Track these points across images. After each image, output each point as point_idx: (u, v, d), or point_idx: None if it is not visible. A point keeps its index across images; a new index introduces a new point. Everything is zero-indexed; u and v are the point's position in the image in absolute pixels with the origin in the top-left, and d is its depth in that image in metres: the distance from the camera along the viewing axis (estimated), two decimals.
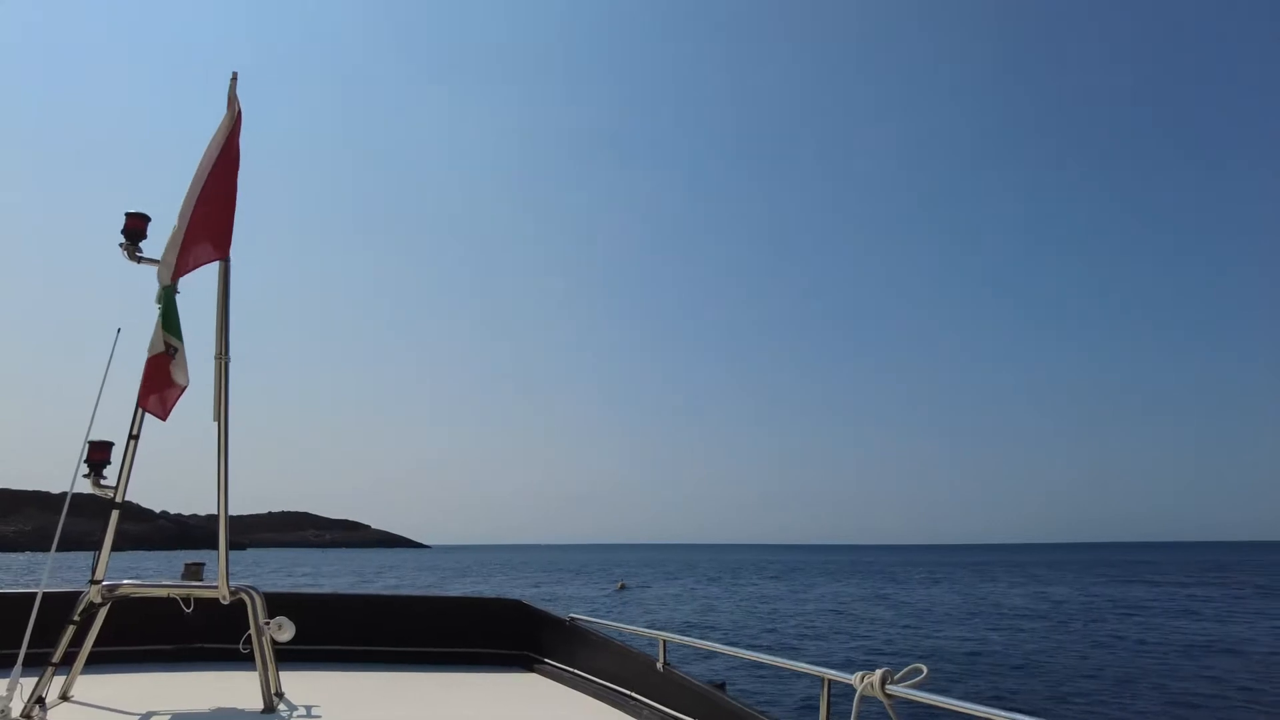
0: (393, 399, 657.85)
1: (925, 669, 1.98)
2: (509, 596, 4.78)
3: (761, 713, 2.55)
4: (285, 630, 3.06)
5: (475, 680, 3.89)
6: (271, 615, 3.12)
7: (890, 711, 1.94)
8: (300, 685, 3.43)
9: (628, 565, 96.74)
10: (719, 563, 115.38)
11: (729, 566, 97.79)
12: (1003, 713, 1.70)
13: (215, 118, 3.35)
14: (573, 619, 4.04)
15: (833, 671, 2.26)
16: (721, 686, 2.96)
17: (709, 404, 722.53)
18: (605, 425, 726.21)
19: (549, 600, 41.41)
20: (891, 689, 1.96)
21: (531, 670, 4.15)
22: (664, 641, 3.16)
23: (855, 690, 2.03)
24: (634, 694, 3.29)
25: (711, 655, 20.00)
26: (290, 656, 3.58)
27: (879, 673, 2.00)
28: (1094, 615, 31.29)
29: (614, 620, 3.95)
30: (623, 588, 51.54)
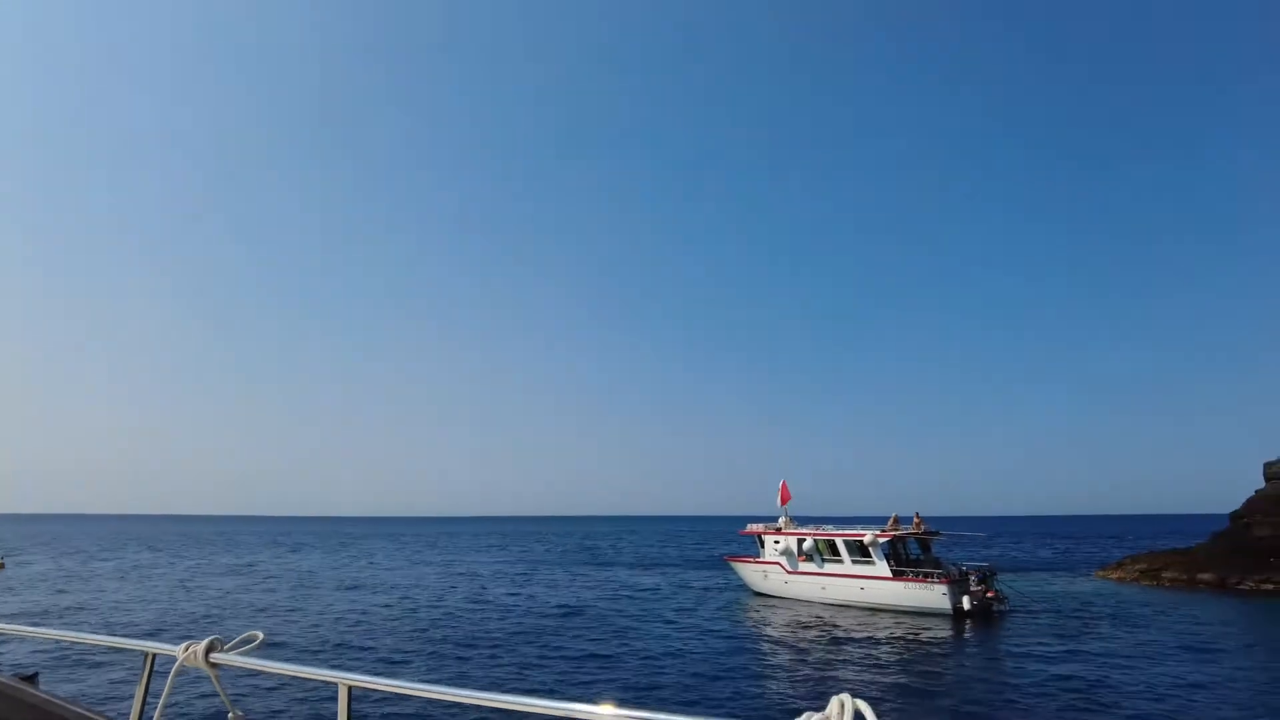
0: None
1: (261, 635, 1.96)
2: None
3: (71, 702, 2.25)
4: None
5: None
6: None
7: (215, 681, 1.93)
8: None
9: (31, 541, 79.02)
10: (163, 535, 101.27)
11: (173, 540, 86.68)
12: (328, 672, 1.76)
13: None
14: None
15: (155, 644, 2.10)
16: (34, 677, 2.65)
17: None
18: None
19: None
20: (216, 658, 1.92)
21: None
22: None
23: (177, 661, 1.97)
24: None
25: (25, 641, 17.77)
26: None
27: (205, 642, 1.95)
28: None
29: None
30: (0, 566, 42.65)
